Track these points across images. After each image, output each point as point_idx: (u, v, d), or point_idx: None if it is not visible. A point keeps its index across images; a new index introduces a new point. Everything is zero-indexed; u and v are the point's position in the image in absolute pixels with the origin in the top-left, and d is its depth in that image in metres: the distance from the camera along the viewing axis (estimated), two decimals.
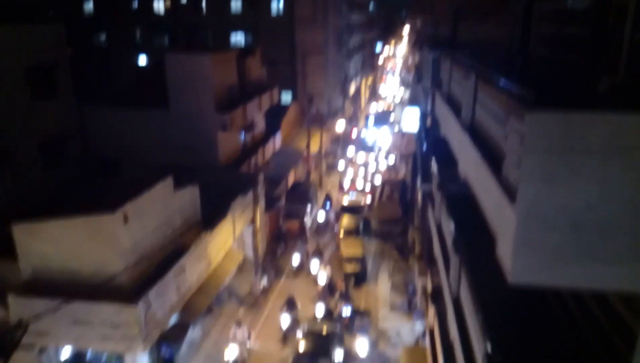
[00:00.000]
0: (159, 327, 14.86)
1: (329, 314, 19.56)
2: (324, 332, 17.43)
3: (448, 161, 12.15)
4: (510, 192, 5.29)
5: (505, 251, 5.38)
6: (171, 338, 16.24)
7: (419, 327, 18.68)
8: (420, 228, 21.31)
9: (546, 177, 4.75)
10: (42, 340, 14.01)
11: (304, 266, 23.85)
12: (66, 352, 15.37)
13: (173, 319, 16.17)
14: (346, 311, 19.60)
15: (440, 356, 11.22)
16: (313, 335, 17.27)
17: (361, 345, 17.43)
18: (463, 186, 9.76)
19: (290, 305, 19.21)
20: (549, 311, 7.28)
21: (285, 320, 18.68)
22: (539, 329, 6.94)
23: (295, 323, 18.74)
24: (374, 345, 18.23)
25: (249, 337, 17.96)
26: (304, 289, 22.21)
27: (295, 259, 23.98)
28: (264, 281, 22.08)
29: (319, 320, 18.52)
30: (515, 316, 7.23)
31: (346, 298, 20.40)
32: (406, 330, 19.41)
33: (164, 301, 14.91)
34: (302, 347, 16.87)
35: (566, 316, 7.06)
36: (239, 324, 17.85)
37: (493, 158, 6.86)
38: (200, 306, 16.98)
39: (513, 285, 5.20)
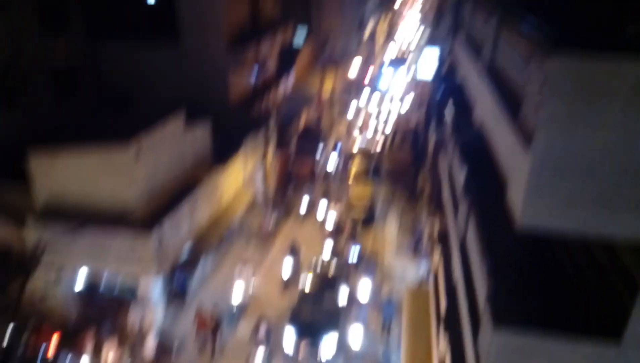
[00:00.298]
0: (172, 258, 15.30)
1: (336, 256, 19.87)
2: (330, 275, 17.70)
3: (463, 107, 12.00)
4: (526, 137, 5.25)
5: (516, 195, 5.40)
6: (184, 268, 16.72)
7: (423, 268, 19.08)
8: (430, 173, 21.34)
9: (565, 123, 4.68)
10: (60, 262, 14.49)
11: (312, 211, 24.10)
12: (80, 283, 15.84)
13: (185, 256, 16.59)
14: (354, 251, 19.91)
15: (443, 297, 11.52)
16: (320, 276, 17.55)
17: (363, 288, 17.76)
18: (477, 132, 9.69)
19: (293, 252, 19.36)
20: (554, 259, 7.38)
21: (287, 266, 19.02)
22: (543, 275, 7.05)
23: (297, 270, 19.07)
24: (378, 287, 18.63)
25: (253, 276, 18.34)
26: (311, 233, 22.53)
27: (304, 202, 24.21)
28: (272, 221, 22.43)
29: (326, 262, 18.73)
30: (521, 262, 7.35)
31: (354, 238, 20.71)
32: (411, 272, 19.82)
33: (177, 232, 15.31)
34: (308, 286, 17.16)
35: (571, 264, 7.15)
36: (245, 263, 18.25)
37: (511, 102, 6.77)
38: (211, 241, 17.39)
39: (522, 228, 5.25)
